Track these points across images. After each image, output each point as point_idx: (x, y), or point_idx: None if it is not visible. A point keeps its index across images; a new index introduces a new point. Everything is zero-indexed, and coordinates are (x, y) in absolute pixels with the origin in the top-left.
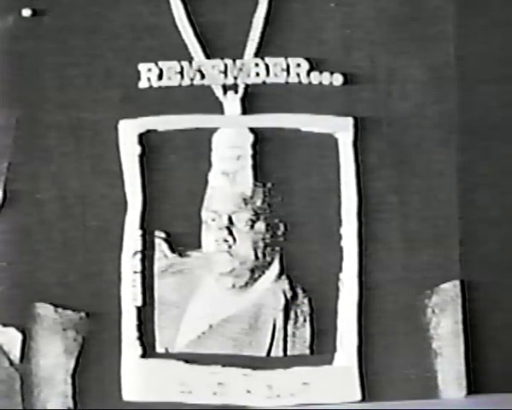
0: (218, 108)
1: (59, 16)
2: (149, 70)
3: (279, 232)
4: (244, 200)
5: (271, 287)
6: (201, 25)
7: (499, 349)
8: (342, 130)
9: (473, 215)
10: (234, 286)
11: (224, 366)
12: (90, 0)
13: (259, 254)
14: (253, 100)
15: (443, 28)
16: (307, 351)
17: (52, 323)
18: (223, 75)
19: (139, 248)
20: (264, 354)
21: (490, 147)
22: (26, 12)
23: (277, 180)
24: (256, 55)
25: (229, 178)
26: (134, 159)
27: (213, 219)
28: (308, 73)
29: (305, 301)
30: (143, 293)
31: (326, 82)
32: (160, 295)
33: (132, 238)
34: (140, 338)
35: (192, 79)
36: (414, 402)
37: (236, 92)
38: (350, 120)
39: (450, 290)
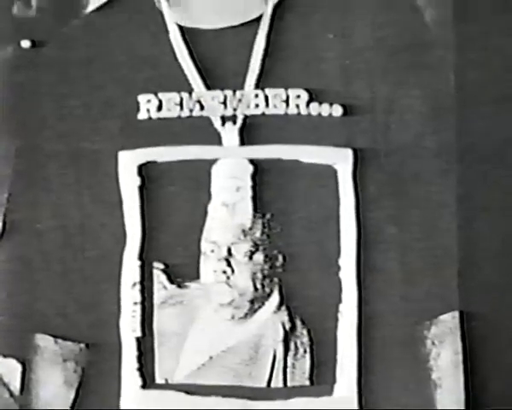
0: (217, 139)
1: (58, 47)
2: (149, 101)
3: (278, 263)
4: (243, 231)
5: (271, 318)
6: (201, 55)
7: (499, 380)
8: (341, 161)
9: (472, 246)
10: (233, 317)
11: (224, 396)
12: (90, 31)
13: (258, 286)
14: (251, 131)
15: (442, 58)
16: (307, 382)
17: (52, 354)
18: (222, 106)
19: (138, 279)
20: (264, 385)
21: (489, 177)
22: (25, 43)
23: (276, 211)
24: (256, 85)
25: (228, 210)
26: (133, 190)
27: (212, 250)
28: (307, 104)
29: (305, 332)
30: (143, 324)
31: (325, 113)
32: (159, 326)
33: (131, 269)
34: (140, 369)
35: (191, 111)
36: None
37: (235, 123)
38: (349, 152)
39: (449, 321)
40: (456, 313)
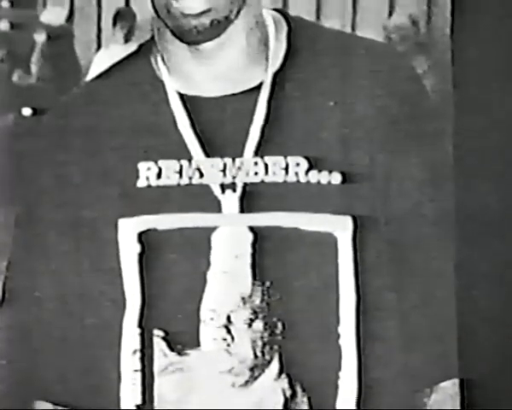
0: (216, 207)
1: (58, 115)
2: (148, 169)
3: (277, 331)
4: (243, 298)
5: (271, 385)
6: (201, 123)
7: None
8: (341, 229)
9: (471, 313)
10: (233, 385)
11: None
12: (90, 99)
13: (258, 353)
14: (251, 199)
15: (441, 127)
16: None
17: None
18: (221, 174)
19: (138, 346)
20: None
21: (488, 245)
22: (26, 111)
23: (276, 279)
24: (255, 153)
25: (227, 277)
26: (133, 257)
27: (212, 318)
28: (307, 172)
29: (305, 399)
30: (143, 391)
31: (324, 181)
32: (159, 394)
33: (131, 336)
34: None
35: (191, 178)
36: None
37: (235, 191)
38: (348, 219)
39: (449, 389)
40: (457, 381)
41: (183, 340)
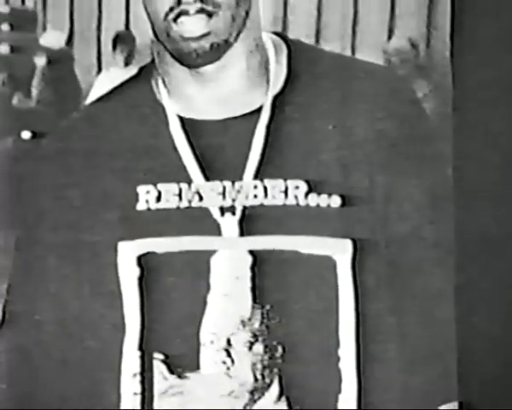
0: (216, 230)
1: (58, 138)
2: (148, 192)
3: (277, 354)
4: (242, 321)
5: (271, 409)
6: (201, 146)
7: None
8: (340, 252)
9: (471, 336)
10: (233, 408)
11: None
12: (89, 122)
13: (258, 376)
14: (250, 222)
15: (441, 150)
16: None
17: None
18: (221, 197)
19: (138, 369)
20: None
21: (488, 267)
22: (26, 134)
23: (276, 302)
24: (255, 176)
25: (227, 300)
26: (133, 280)
27: (212, 341)
28: (306, 195)
29: None
30: None
31: (324, 204)
32: None
33: (131, 359)
34: None
35: (190, 201)
36: None
37: (234, 214)
38: (348, 242)
39: None
40: (456, 404)
41: (183, 363)
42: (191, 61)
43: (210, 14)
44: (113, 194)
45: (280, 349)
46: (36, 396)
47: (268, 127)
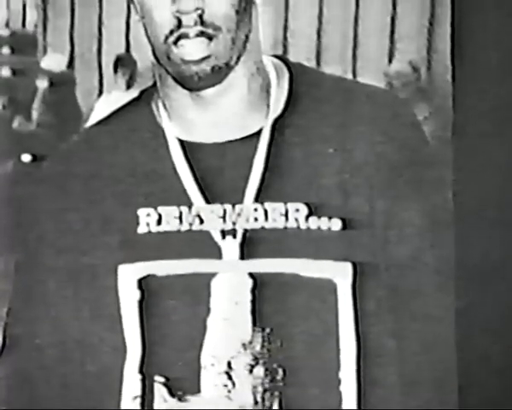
0: (217, 253)
1: (58, 161)
2: (148, 215)
3: (278, 377)
4: (243, 345)
5: None
6: (201, 169)
7: None
8: (341, 275)
9: (471, 360)
10: None
11: None
12: (90, 145)
13: (259, 399)
14: (251, 245)
15: (441, 174)
16: None
17: None
18: (221, 220)
19: (139, 392)
20: None
21: (488, 291)
22: (26, 157)
23: (276, 325)
24: (255, 199)
25: (228, 323)
26: (133, 304)
27: (212, 364)
28: (307, 218)
29: None
30: None
31: (324, 227)
32: None
33: (132, 383)
34: None
35: (191, 224)
36: None
37: (235, 237)
38: (348, 265)
39: None
40: None
41: (184, 386)
42: (192, 84)
43: (210, 38)
44: (113, 217)
45: (281, 372)
46: None
47: (268, 150)
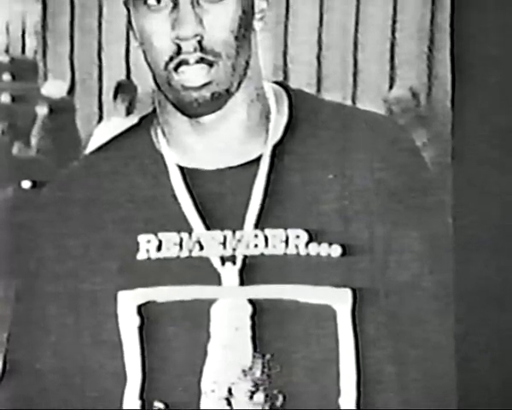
0: (216, 279)
1: (58, 188)
2: (148, 241)
3: (278, 403)
4: (243, 371)
5: None
6: (201, 196)
7: None
8: (340, 301)
9: (471, 386)
10: None
11: None
12: (89, 171)
13: None
14: (251, 271)
15: (441, 199)
16: None
17: None
18: (221, 246)
19: None
20: None
21: (487, 317)
22: (26, 183)
23: (276, 351)
24: (256, 225)
25: (228, 349)
26: (133, 330)
27: (213, 390)
28: (306, 245)
29: None
30: None
31: (324, 253)
32: None
33: (132, 408)
34: None
35: (191, 251)
36: None
37: (234, 263)
38: (348, 292)
39: None
40: None
41: None
42: (192, 110)
43: (210, 64)
44: (113, 243)
45: (281, 398)
46: None
47: (268, 177)
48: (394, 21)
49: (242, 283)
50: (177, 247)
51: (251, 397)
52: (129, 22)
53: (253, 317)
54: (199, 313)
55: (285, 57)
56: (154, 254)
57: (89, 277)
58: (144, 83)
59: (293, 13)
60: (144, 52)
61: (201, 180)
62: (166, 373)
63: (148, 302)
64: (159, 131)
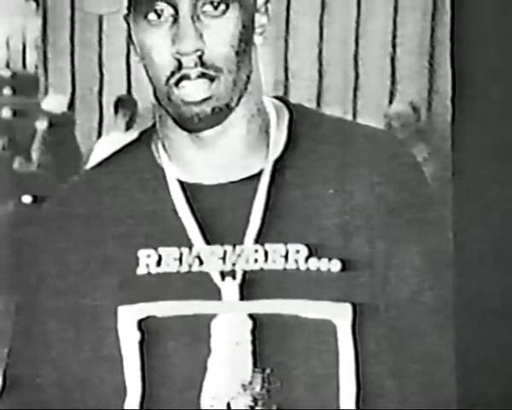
0: (216, 294)
1: (58, 203)
2: (148, 256)
3: None
4: (243, 385)
5: None
6: (201, 210)
7: None
8: (340, 316)
9: (472, 399)
10: None
11: None
12: (90, 187)
13: None
14: (251, 286)
15: (441, 214)
16: None
17: None
18: (221, 261)
19: None
20: None
21: (487, 331)
22: (27, 198)
23: (276, 366)
24: (256, 240)
25: (228, 364)
26: (133, 345)
27: (212, 405)
28: (306, 260)
29: None
30: None
31: (324, 268)
32: None
33: None
34: None
35: (191, 266)
36: None
37: (234, 278)
38: (348, 306)
39: None
40: None
41: None
42: (192, 125)
43: (211, 79)
44: (113, 258)
45: None
46: None
47: (268, 192)
48: (394, 36)
49: (242, 298)
50: (177, 262)
51: None
52: (129, 37)
53: (253, 332)
54: (199, 327)
55: (286, 72)
56: (154, 269)
57: (89, 292)
58: (144, 98)
59: (293, 28)
60: (145, 67)
61: (202, 195)
62: (166, 388)
63: (148, 317)
64: (159, 146)
